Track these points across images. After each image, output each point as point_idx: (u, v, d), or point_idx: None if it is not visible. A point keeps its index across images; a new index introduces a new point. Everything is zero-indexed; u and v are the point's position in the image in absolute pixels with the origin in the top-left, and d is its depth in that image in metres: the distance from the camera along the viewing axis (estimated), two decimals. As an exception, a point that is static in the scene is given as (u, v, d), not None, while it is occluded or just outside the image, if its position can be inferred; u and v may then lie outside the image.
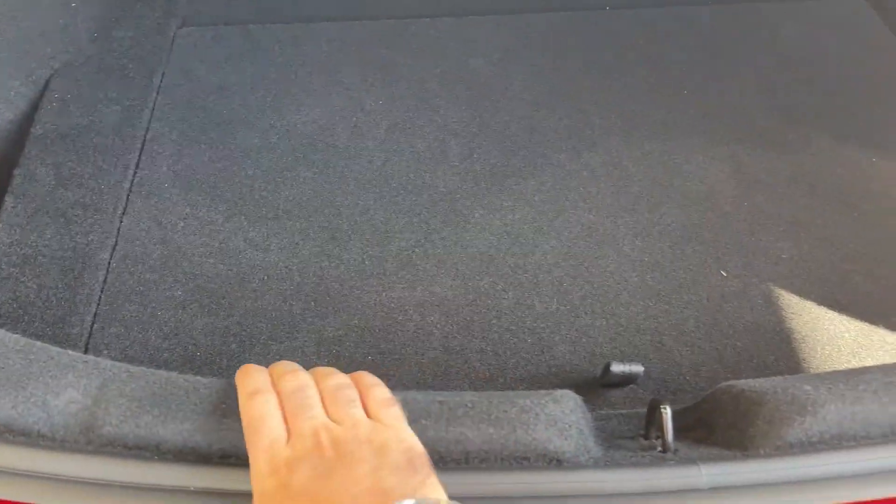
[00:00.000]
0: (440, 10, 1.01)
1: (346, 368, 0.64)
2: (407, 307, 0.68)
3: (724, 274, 0.70)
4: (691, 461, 0.46)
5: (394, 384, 0.63)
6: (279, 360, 0.64)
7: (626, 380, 0.61)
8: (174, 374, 0.44)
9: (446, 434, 0.45)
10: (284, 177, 0.80)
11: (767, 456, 0.47)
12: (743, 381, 0.51)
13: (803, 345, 0.65)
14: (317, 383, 0.43)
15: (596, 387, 0.63)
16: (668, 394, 0.62)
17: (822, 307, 0.68)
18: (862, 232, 0.74)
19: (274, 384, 0.42)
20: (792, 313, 0.67)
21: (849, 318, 0.67)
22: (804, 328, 0.66)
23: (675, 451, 0.49)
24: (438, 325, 0.67)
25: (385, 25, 0.99)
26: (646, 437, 0.52)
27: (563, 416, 0.47)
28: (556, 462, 0.46)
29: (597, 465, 0.47)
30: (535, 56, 0.95)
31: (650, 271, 0.71)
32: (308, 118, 0.86)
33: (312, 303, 0.69)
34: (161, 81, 0.90)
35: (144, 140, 0.83)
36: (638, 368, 0.59)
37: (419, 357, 0.65)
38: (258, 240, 0.74)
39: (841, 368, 0.61)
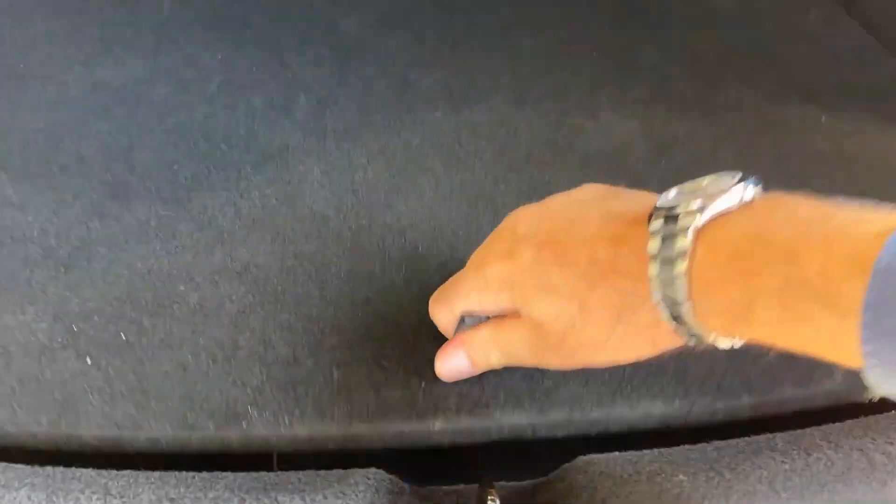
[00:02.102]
0: None
1: (86, 350, 0.45)
2: (196, 275, 0.49)
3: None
4: None
5: (153, 375, 0.44)
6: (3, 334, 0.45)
7: None
8: None
9: None
10: (74, 131, 0.62)
11: None
12: (602, 457, 0.36)
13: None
14: None
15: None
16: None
17: None
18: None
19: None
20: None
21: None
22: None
23: None
24: (235, 297, 0.48)
25: None
26: None
27: None
28: None
29: None
30: (415, 16, 0.80)
31: (534, 234, 0.53)
32: (123, 73, 0.69)
33: (62, 269, 0.49)
34: None
35: None
36: None
37: (196, 336, 0.45)
38: (14, 198, 0.55)
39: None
